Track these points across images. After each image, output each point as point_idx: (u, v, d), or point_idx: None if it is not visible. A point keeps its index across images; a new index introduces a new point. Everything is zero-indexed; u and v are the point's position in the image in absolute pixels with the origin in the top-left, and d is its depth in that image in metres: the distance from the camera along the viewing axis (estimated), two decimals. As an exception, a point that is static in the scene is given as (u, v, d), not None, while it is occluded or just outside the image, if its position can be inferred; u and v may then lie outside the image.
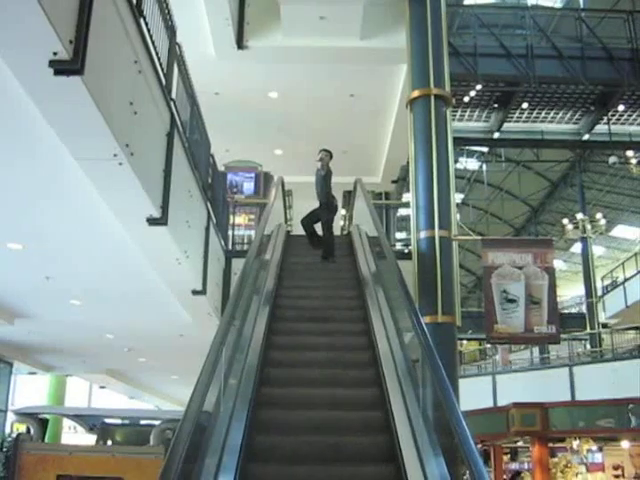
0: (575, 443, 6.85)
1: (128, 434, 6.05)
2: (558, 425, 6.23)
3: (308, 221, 11.55)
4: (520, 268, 11.25)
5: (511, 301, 11.07)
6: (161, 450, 4.31)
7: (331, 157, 11.55)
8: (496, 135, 17.58)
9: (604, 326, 29.08)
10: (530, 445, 6.70)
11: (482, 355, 34.43)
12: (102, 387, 20.66)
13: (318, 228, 11.55)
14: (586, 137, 17.59)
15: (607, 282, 31.23)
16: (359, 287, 9.69)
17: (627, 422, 6.24)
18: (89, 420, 6.26)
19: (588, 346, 28.78)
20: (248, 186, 15.48)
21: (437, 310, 9.80)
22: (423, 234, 10.51)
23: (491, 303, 11.07)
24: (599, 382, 18.72)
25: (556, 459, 6.96)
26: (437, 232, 10.38)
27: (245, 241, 13.91)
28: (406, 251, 12.30)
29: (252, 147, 16.29)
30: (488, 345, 33.09)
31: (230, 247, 12.47)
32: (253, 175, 15.61)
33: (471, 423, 7.53)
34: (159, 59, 6.93)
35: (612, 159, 22.26)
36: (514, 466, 10.36)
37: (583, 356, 27.04)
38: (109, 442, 5.98)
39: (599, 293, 30.24)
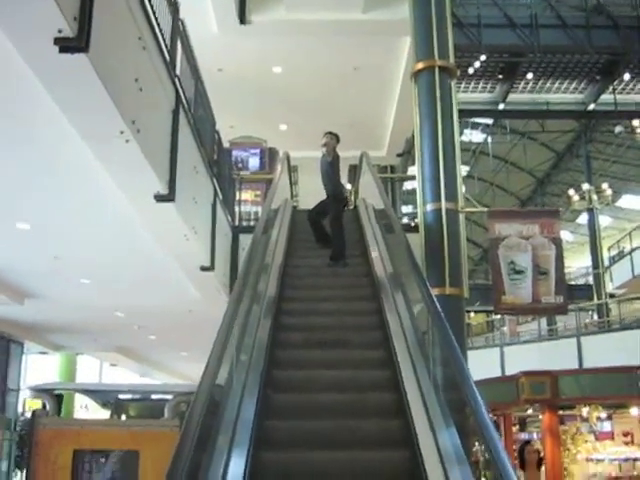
0: (585, 410, 6.89)
1: (141, 409, 6.11)
2: (568, 393, 6.28)
3: (314, 216, 10.37)
4: (527, 239, 11.25)
5: (518, 272, 11.09)
6: (176, 423, 4.37)
7: (338, 140, 10.40)
8: (501, 106, 17.51)
9: (611, 296, 29.12)
10: (540, 413, 6.75)
11: (490, 327, 34.51)
12: (113, 365, 20.80)
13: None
14: (592, 107, 17.49)
15: (614, 252, 31.22)
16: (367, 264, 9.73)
17: (636, 389, 6.29)
18: (103, 396, 6.33)
19: (595, 316, 28.83)
20: (253, 162, 15.45)
21: (445, 282, 9.83)
22: (429, 207, 10.51)
23: (498, 274, 11.09)
24: (607, 352, 18.78)
25: (566, 427, 7.01)
26: (443, 204, 10.37)
27: (252, 217, 13.93)
28: (412, 224, 12.31)
29: (257, 123, 16.26)
30: (496, 317, 33.20)
31: (237, 223, 12.47)
32: (258, 151, 15.58)
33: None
34: (162, 35, 6.91)
35: (618, 128, 22.17)
36: (523, 436, 10.44)
37: (590, 326, 27.11)
38: (123, 417, 6.06)
39: (606, 264, 30.25)
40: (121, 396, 6.30)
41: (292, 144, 15.82)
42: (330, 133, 10.41)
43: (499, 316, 31.86)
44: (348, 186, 17.91)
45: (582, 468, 6.80)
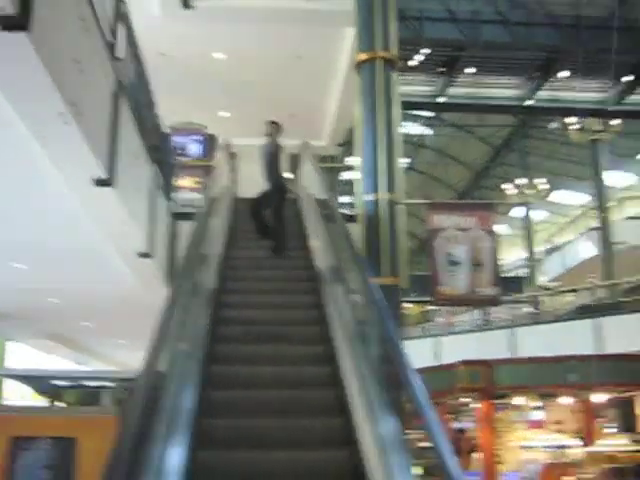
0: (519, 399, 7.08)
1: (78, 395, 6.03)
2: (503, 382, 6.44)
3: (255, 206, 10.09)
4: (464, 231, 11.43)
5: (455, 263, 11.27)
6: (115, 409, 4.32)
7: (280, 130, 10.36)
8: (441, 100, 17.70)
9: (544, 289, 29.82)
10: (475, 402, 6.92)
11: (425, 317, 34.95)
12: (46, 352, 20.41)
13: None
14: (529, 103, 17.83)
15: (547, 246, 31.99)
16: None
17: (568, 378, 6.49)
18: (38, 382, 6.21)
19: (528, 309, 29.47)
20: (194, 148, 15.33)
21: (382, 272, 9.92)
22: (369, 197, 10.61)
23: (436, 265, 11.27)
24: (539, 343, 19.25)
25: (501, 414, 7.20)
26: (383, 195, 10.47)
27: (191, 204, 13.81)
28: (351, 214, 12.37)
29: (198, 109, 16.12)
30: (432, 307, 33.66)
31: (176, 210, 12.35)
32: (198, 137, 15.45)
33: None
34: (105, 17, 6.79)
35: (554, 124, 22.65)
36: (455, 425, 10.64)
37: (523, 318, 27.71)
38: (59, 404, 5.97)
39: (539, 257, 30.96)
40: (58, 383, 6.20)
41: (233, 131, 15.75)
42: (273, 122, 10.33)
43: (435, 307, 32.33)
44: (288, 175, 17.89)
45: (515, 455, 6.98)
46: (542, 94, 17.44)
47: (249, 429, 5.05)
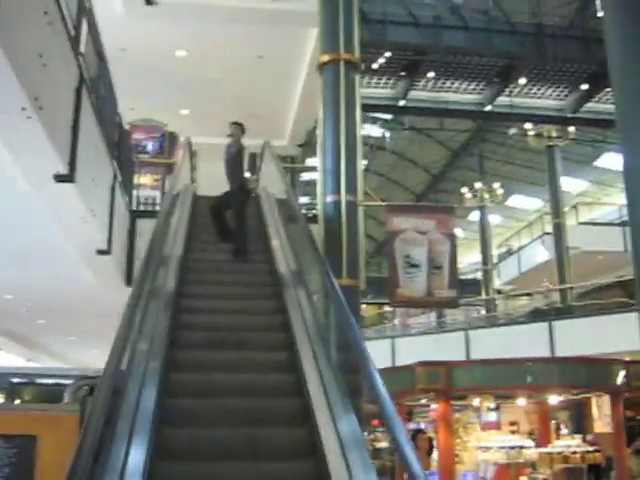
0: (476, 400, 7.19)
1: (37, 393, 5.95)
2: (461, 383, 6.53)
3: (216, 208, 9.89)
4: (423, 234, 11.54)
5: (414, 266, 11.37)
6: (76, 407, 4.28)
7: (243, 131, 10.28)
8: (402, 103, 17.79)
9: (499, 292, 30.23)
10: (432, 403, 7.01)
11: (381, 319, 35.19)
12: (-3, 349, 20.10)
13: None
14: (488, 108, 18.03)
15: (502, 250, 32.41)
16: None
17: (524, 380, 6.62)
18: (-4, 379, 6.12)
19: (483, 311, 29.86)
20: (153, 146, 15.21)
21: (342, 273, 9.97)
22: (330, 198, 10.68)
23: (394, 267, 11.35)
24: (494, 345, 19.51)
25: (458, 415, 7.30)
26: (343, 197, 10.54)
27: (150, 201, 13.74)
28: (310, 215, 12.42)
29: (158, 106, 16.00)
30: (388, 309, 33.89)
31: (135, 207, 12.27)
32: (158, 135, 15.34)
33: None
34: (69, 12, 6.72)
35: (512, 130, 22.98)
36: (411, 425, 10.77)
37: (478, 320, 28.06)
38: (17, 401, 5.88)
39: (495, 260, 31.34)
40: (16, 380, 6.11)
41: (193, 129, 15.67)
42: (236, 123, 10.26)
43: (391, 308, 32.56)
44: (248, 175, 17.86)
45: (472, 455, 7.08)
46: (501, 100, 17.65)
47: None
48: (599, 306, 21.75)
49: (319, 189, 11.07)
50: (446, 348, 21.17)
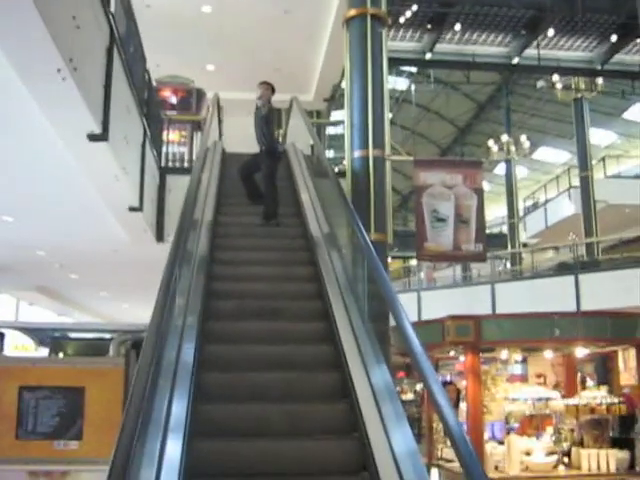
0: (504, 353, 7.33)
1: (79, 347, 6.16)
2: (490, 336, 6.65)
3: (246, 171, 9.76)
4: (450, 188, 11.55)
5: (441, 220, 11.39)
6: (121, 360, 4.48)
7: (273, 91, 9.84)
8: (428, 56, 17.70)
9: (524, 245, 30.19)
10: (462, 355, 7.17)
11: (406, 273, 35.31)
12: (31, 304, 20.50)
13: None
14: (516, 61, 17.87)
15: (529, 203, 32.26)
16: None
17: (551, 333, 6.74)
18: (43, 334, 6.34)
19: (509, 265, 29.87)
20: (181, 102, 15.27)
21: (370, 228, 10.06)
22: (357, 153, 10.70)
23: (422, 222, 11.38)
24: (520, 298, 19.61)
25: (486, 367, 7.45)
26: (371, 152, 10.57)
27: (178, 158, 13.87)
28: (336, 170, 12.47)
29: (184, 62, 16.02)
30: (412, 263, 33.99)
31: (164, 164, 12.40)
32: (186, 91, 15.39)
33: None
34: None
35: (540, 83, 22.72)
36: (441, 377, 10.94)
37: (504, 274, 28.11)
38: (60, 355, 6.11)
39: (521, 214, 31.25)
40: (57, 335, 6.35)
41: (219, 85, 15.67)
42: (265, 83, 9.83)
43: (416, 262, 32.66)
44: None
45: (499, 406, 7.24)
46: (529, 52, 17.49)
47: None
48: (625, 259, 21.69)
49: (347, 144, 11.12)
50: (472, 301, 21.31)
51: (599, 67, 17.62)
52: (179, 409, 4.05)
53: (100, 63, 7.10)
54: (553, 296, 18.90)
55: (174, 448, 3.74)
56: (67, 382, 4.29)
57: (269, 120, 9.62)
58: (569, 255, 26.11)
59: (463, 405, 8.10)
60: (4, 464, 4.20)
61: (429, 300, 23.17)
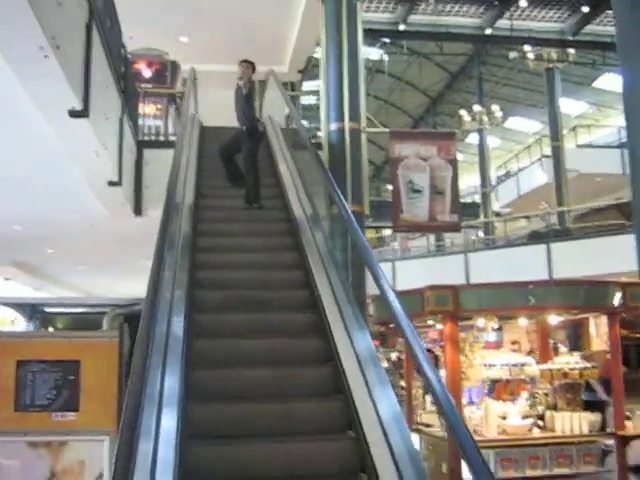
0: (481, 321, 7.55)
1: (67, 321, 6.29)
2: (468, 305, 6.87)
3: (226, 153, 9.51)
4: (425, 160, 11.71)
5: (416, 191, 11.57)
6: (115, 334, 4.60)
7: (254, 70, 9.53)
8: (402, 27, 17.74)
9: (497, 215, 30.52)
10: (440, 324, 7.39)
11: (380, 242, 35.56)
12: (7, 279, 20.42)
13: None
14: (489, 31, 17.99)
15: (501, 172, 32.56)
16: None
17: (527, 301, 6.98)
18: (32, 309, 6.43)
19: (481, 234, 30.20)
20: (155, 75, 15.19)
21: (347, 200, 10.22)
22: (333, 126, 10.87)
23: (397, 193, 11.57)
24: (493, 267, 19.91)
25: (464, 335, 7.68)
26: (347, 124, 10.72)
27: (153, 131, 13.89)
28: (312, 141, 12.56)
29: (157, 34, 15.86)
30: (386, 233, 34.24)
31: (141, 137, 12.41)
32: (160, 63, 15.31)
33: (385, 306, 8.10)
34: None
35: (513, 54, 22.88)
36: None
37: (477, 243, 28.45)
38: (50, 329, 6.24)
39: (493, 183, 31.54)
40: (49, 310, 6.46)
41: (193, 57, 15.61)
42: (246, 62, 9.49)
43: (389, 232, 32.89)
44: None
45: (477, 372, 7.49)
46: (502, 23, 17.60)
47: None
48: (597, 228, 22.07)
49: (323, 117, 11.23)
50: (446, 271, 21.58)
51: (570, 38, 17.78)
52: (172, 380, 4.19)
53: (80, 39, 7.12)
54: (526, 264, 19.23)
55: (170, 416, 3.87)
56: (63, 355, 4.42)
57: (250, 100, 9.41)
58: (541, 224, 26.50)
59: (441, 372, 8.39)
60: (4, 436, 4.34)
61: (404, 270, 23.40)
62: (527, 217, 28.10)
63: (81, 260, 18.02)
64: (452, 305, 6.80)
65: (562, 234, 22.34)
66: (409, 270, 23.13)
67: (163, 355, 4.24)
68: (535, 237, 22.75)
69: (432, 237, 31.77)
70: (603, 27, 17.25)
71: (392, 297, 4.45)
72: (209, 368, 5.12)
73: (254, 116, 9.51)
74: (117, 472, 2.89)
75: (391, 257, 27.23)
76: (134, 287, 19.70)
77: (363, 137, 11.10)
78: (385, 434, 4.22)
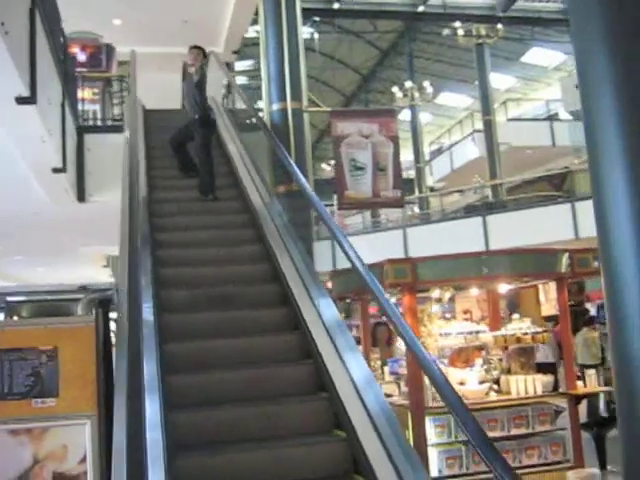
0: (437, 292, 7.80)
1: (32, 309, 6.24)
2: (425, 277, 7.08)
3: (177, 142, 9.26)
4: (367, 137, 11.89)
5: (359, 168, 11.75)
6: (91, 318, 4.62)
7: (205, 56, 9.28)
8: (336, 6, 17.84)
9: (431, 189, 31.02)
10: (399, 296, 7.61)
11: (317, 221, 35.61)
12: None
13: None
14: (421, 9, 18.22)
15: (434, 148, 33.05)
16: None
17: (480, 271, 7.25)
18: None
19: (416, 209, 30.66)
20: (90, 59, 14.94)
21: (292, 179, 10.33)
22: (275, 106, 10.95)
23: (341, 171, 11.73)
24: (431, 241, 20.24)
25: (421, 307, 7.91)
26: (289, 104, 10.82)
27: (91, 116, 13.71)
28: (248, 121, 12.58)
29: (89, 17, 15.58)
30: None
31: (80, 123, 12.24)
32: (95, 47, 15.07)
33: (346, 281, 8.29)
34: None
35: (446, 31, 23.25)
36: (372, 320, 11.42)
37: (412, 218, 28.87)
38: (15, 318, 6.17)
39: (427, 158, 32.00)
40: (10, 298, 6.39)
41: (127, 40, 15.39)
42: (197, 47, 9.17)
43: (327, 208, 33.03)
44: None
45: (435, 342, 7.73)
46: (433, 0, 17.85)
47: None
48: (529, 199, 22.67)
49: (264, 97, 11.30)
50: (385, 246, 21.82)
51: (501, 14, 18.12)
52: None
53: (25, 24, 7.01)
54: (463, 237, 19.63)
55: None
56: (40, 342, 4.43)
57: (202, 87, 9.08)
58: (475, 197, 27.08)
59: (398, 343, 8.67)
60: (-16, 426, 4.35)
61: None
62: (461, 191, 28.64)
63: (19, 249, 17.68)
64: (410, 277, 6.99)
65: (496, 206, 22.85)
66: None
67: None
68: (471, 210, 23.22)
69: (368, 214, 32.09)
70: (532, 3, 17.66)
71: (362, 267, 4.63)
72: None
73: (206, 104, 9.18)
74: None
75: (328, 235, 27.35)
76: (71, 275, 19.50)
77: (306, 116, 11.21)
78: (359, 394, 4.36)
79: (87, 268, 18.43)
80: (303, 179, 6.82)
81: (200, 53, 9.12)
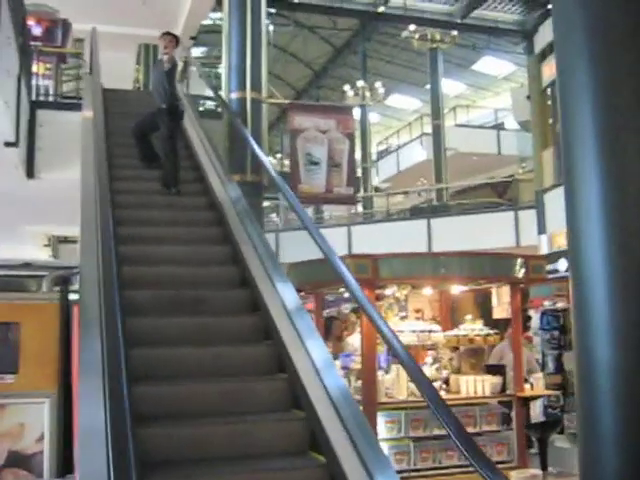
0: (393, 289, 7.88)
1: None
2: (385, 274, 7.15)
3: (141, 131, 8.87)
4: (324, 132, 11.92)
5: (314, 163, 11.79)
6: (56, 296, 4.52)
7: (178, 43, 8.91)
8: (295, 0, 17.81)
9: (376, 189, 31.24)
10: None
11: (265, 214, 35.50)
12: None
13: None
14: (381, 9, 18.29)
15: (381, 148, 33.27)
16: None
17: (438, 271, 7.37)
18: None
19: (361, 208, 30.82)
20: (45, 33, 14.59)
21: (246, 170, 10.31)
22: (234, 95, 10.89)
23: (296, 164, 11.75)
24: (374, 240, 20.37)
25: (381, 303, 8.00)
26: (249, 93, 10.77)
27: (43, 91, 13.42)
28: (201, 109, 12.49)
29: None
30: (266, 204, 34.21)
31: (34, 98, 11.97)
32: (51, 21, 14.72)
33: (303, 273, 8.31)
34: None
35: (405, 33, 23.41)
36: (325, 312, 11.42)
37: (356, 217, 29.02)
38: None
39: (373, 158, 32.20)
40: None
41: (83, 17, 15.08)
42: (169, 34, 8.80)
43: (270, 203, 32.98)
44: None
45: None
46: (394, 1, 17.93)
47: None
48: (473, 205, 23.04)
49: (224, 86, 11.22)
50: (330, 243, 21.86)
51: (458, 20, 18.28)
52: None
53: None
54: (406, 238, 19.84)
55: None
56: (2, 317, 4.33)
57: (172, 76, 8.72)
58: (419, 199, 27.39)
59: (349, 339, 8.76)
60: (-59, 401, 4.21)
61: (287, 241, 23.55)
62: (406, 192, 28.91)
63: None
64: (371, 273, 7.07)
65: (440, 210, 23.15)
66: (292, 241, 23.30)
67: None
68: (416, 212, 23.48)
69: (310, 209, 32.09)
70: (491, 12, 17.87)
71: (337, 260, 4.68)
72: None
73: (175, 93, 8.81)
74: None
75: (274, 228, 27.35)
76: (11, 252, 19.02)
77: (264, 107, 11.18)
78: (319, 376, 4.38)
79: (27, 246, 18.01)
80: (273, 171, 6.80)
81: (173, 40, 8.75)
